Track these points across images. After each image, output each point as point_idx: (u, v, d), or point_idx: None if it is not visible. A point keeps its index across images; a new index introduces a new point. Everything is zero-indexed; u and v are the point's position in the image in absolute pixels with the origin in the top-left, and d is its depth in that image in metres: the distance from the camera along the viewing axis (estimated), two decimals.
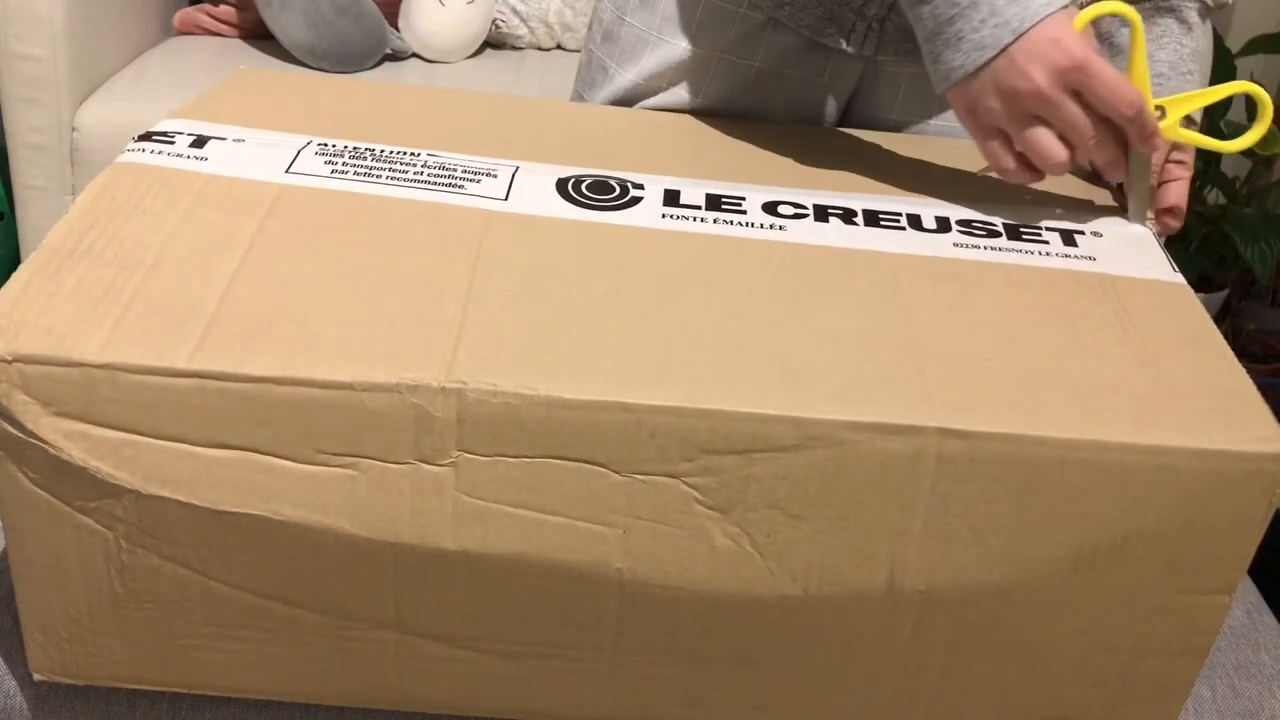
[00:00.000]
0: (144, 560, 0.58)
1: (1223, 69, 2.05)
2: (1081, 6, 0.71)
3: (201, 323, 0.57)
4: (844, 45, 0.87)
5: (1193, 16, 0.81)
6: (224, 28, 2.10)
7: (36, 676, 0.63)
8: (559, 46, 2.17)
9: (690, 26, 0.89)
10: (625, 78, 0.92)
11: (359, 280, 0.61)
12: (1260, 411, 0.58)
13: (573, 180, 0.72)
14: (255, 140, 0.72)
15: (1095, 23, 0.82)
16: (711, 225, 0.69)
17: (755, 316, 0.61)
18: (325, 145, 0.73)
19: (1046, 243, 0.70)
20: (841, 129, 0.89)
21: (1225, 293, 2.26)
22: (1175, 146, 0.78)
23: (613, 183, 0.72)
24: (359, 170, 0.70)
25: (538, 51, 2.16)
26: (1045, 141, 0.69)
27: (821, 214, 0.71)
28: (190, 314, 0.57)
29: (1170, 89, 0.79)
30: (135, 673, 0.63)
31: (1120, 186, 0.77)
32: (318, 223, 0.65)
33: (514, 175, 0.72)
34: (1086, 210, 0.75)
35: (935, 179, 0.78)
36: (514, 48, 2.15)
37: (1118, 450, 0.56)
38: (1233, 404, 0.58)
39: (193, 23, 2.11)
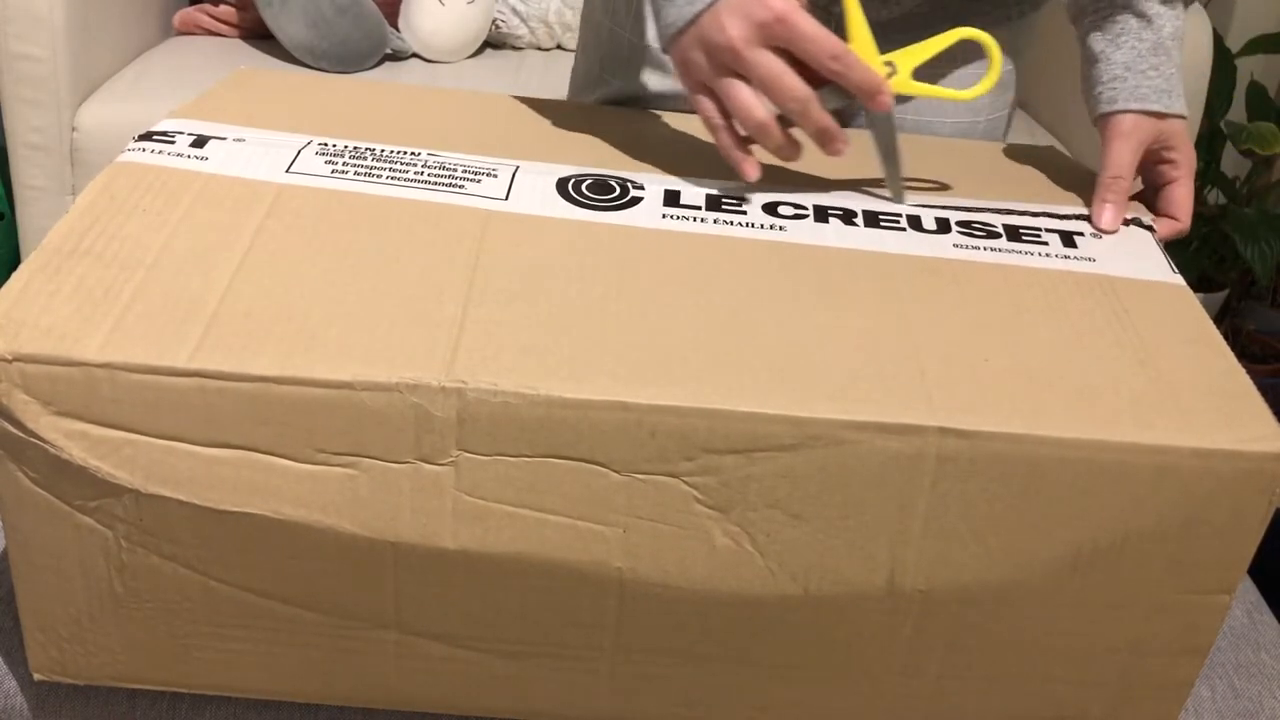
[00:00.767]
0: (144, 560, 0.58)
1: (1223, 69, 2.05)
2: None
3: (201, 322, 0.57)
4: None
5: (1152, 7, 0.78)
6: (224, 28, 2.10)
7: (36, 676, 0.63)
8: (559, 46, 2.17)
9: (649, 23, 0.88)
10: (615, 84, 0.93)
11: (359, 280, 0.61)
12: (1260, 411, 0.58)
13: (573, 180, 0.72)
14: (255, 140, 0.72)
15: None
16: (712, 225, 0.69)
17: (755, 316, 0.61)
18: (325, 145, 0.73)
19: (1046, 244, 0.70)
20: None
21: (1225, 293, 2.26)
22: (1167, 146, 0.77)
23: (613, 183, 0.72)
24: (359, 170, 0.70)
25: (538, 51, 2.16)
26: (741, 96, 0.68)
27: (822, 214, 0.71)
28: (190, 313, 0.57)
29: (1129, 87, 0.77)
30: (135, 673, 0.63)
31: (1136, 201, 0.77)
32: (318, 222, 0.65)
33: (514, 175, 0.72)
34: (1086, 214, 0.75)
35: (935, 180, 0.78)
36: (514, 48, 2.15)
37: (1118, 450, 0.56)
38: (1233, 404, 0.58)
39: (193, 23, 2.11)
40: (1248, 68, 2.24)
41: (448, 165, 0.72)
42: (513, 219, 0.67)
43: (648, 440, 0.55)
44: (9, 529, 0.59)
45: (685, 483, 0.56)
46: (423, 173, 0.71)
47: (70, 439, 0.55)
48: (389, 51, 2.02)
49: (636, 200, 0.71)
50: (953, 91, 0.75)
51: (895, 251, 0.68)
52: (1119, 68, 0.78)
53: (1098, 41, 0.79)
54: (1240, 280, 2.28)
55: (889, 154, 0.74)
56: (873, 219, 0.71)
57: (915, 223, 0.71)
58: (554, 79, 2.02)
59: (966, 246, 0.69)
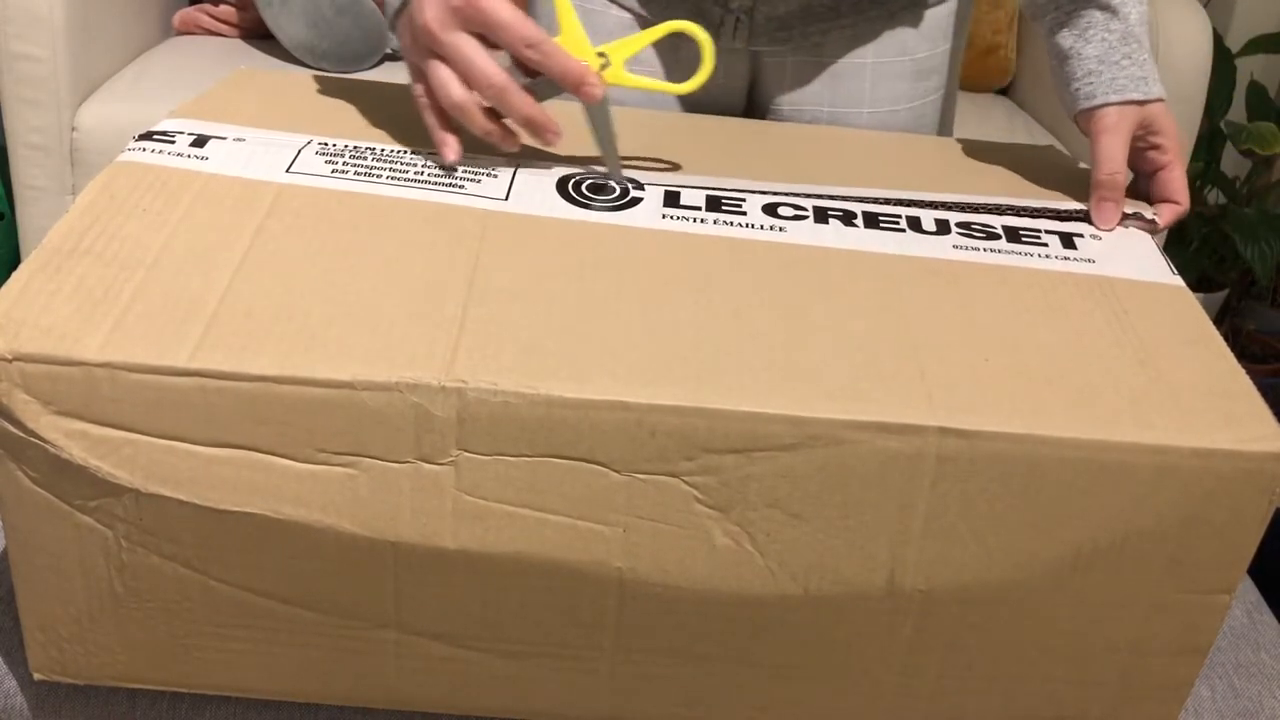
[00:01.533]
0: (144, 559, 0.58)
1: (1223, 69, 2.06)
2: None
3: (202, 322, 0.57)
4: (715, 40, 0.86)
5: None
6: (224, 28, 2.10)
7: (36, 676, 0.63)
8: None
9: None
10: None
11: (359, 280, 0.61)
12: (1260, 411, 0.58)
13: (573, 180, 0.72)
14: (256, 140, 0.72)
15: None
16: (711, 226, 0.69)
17: (755, 316, 0.61)
18: (326, 145, 0.73)
19: (1046, 245, 0.70)
20: (841, 129, 0.89)
21: (1225, 293, 2.26)
22: (1152, 131, 0.77)
23: (613, 183, 0.72)
24: (359, 170, 0.70)
25: None
26: (440, 78, 0.69)
27: (821, 215, 0.71)
28: (190, 313, 0.57)
29: (1105, 80, 0.77)
30: (135, 672, 0.63)
31: (1129, 189, 0.77)
32: (318, 222, 0.65)
33: (514, 175, 0.72)
34: (1085, 213, 0.75)
35: (935, 181, 0.78)
36: None
37: (1118, 450, 0.56)
38: (1233, 404, 0.59)
39: (193, 23, 2.11)
40: (1248, 68, 2.24)
41: (447, 165, 0.72)
42: (513, 219, 0.67)
43: (648, 440, 0.55)
44: (9, 529, 0.59)
45: (685, 482, 0.56)
46: (423, 173, 0.71)
47: (70, 438, 0.55)
48: (389, 51, 2.02)
49: (636, 200, 0.71)
50: (667, 84, 0.75)
51: (895, 253, 0.68)
52: (1092, 62, 0.77)
53: (1065, 38, 0.79)
54: (1240, 280, 2.28)
55: (606, 142, 0.73)
56: (872, 220, 0.71)
57: (915, 224, 0.71)
58: None
59: (966, 248, 0.69)
